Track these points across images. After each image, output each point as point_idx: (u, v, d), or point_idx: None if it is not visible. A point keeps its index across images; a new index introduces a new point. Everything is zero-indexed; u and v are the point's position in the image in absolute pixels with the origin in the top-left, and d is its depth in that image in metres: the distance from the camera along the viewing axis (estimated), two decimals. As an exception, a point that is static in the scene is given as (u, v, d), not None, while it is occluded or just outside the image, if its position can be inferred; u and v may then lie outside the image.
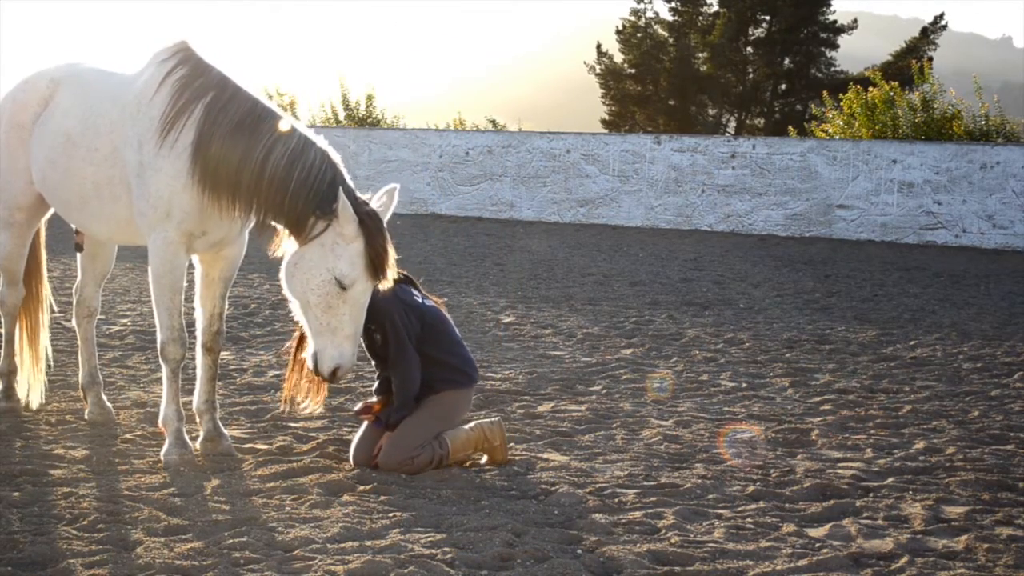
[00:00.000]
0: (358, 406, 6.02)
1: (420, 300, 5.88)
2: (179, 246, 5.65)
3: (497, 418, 6.10)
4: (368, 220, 5.30)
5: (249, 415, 6.88)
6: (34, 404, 6.77)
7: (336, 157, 5.51)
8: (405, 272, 5.92)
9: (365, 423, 5.88)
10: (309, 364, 5.49)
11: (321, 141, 5.53)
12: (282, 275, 5.47)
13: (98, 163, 5.87)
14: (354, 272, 5.27)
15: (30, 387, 6.79)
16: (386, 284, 5.42)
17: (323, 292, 5.29)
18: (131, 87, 5.85)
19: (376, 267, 5.30)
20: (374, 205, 5.45)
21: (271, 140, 5.42)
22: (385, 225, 5.39)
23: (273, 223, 5.51)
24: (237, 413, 6.89)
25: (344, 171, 5.49)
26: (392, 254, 5.37)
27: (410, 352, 5.69)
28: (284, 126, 5.49)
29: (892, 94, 25.98)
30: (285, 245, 5.55)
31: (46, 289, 7.03)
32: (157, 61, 5.80)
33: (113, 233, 6.21)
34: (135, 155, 5.66)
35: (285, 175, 5.35)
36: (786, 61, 43.87)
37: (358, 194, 5.45)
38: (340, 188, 5.29)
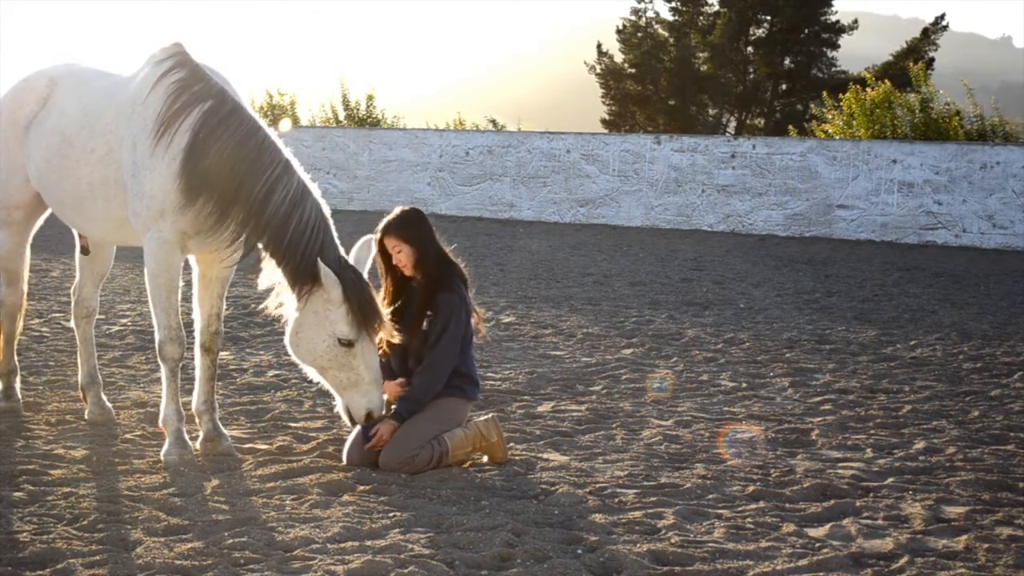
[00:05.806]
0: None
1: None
2: (174, 245, 5.65)
3: (492, 414, 6.12)
4: (349, 281, 5.37)
5: (249, 415, 6.88)
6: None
7: (326, 210, 5.57)
8: (466, 273, 6.02)
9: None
10: (343, 416, 5.64)
11: (315, 189, 5.61)
12: (288, 347, 5.61)
13: (93, 164, 5.87)
14: (353, 331, 5.38)
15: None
16: (384, 334, 5.49)
17: (332, 355, 5.43)
18: (126, 88, 5.86)
19: (368, 321, 5.39)
20: (350, 260, 5.55)
21: (273, 176, 5.46)
22: (366, 277, 5.49)
23: (264, 255, 5.55)
24: (237, 413, 6.90)
25: (332, 225, 5.55)
26: (379, 304, 5.47)
27: (453, 357, 5.81)
28: (284, 161, 5.53)
29: (889, 96, 25.95)
30: (266, 275, 5.60)
31: (25, 285, 6.99)
32: (153, 63, 5.80)
33: (107, 233, 6.21)
34: (130, 155, 5.66)
35: (283, 221, 5.41)
36: (787, 61, 43.83)
37: (341, 251, 5.52)
38: (318, 260, 5.32)
